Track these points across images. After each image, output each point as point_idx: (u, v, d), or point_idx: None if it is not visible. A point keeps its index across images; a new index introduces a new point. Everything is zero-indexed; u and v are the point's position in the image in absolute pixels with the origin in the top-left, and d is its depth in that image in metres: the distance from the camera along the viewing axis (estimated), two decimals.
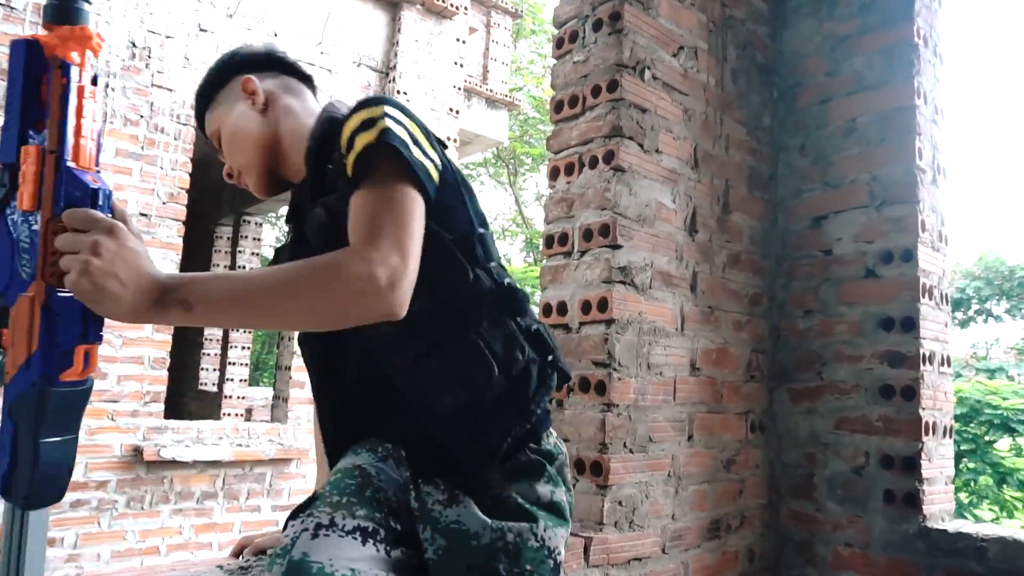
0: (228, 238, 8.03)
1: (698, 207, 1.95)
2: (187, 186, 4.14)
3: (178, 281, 0.76)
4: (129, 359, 3.86)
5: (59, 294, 0.71)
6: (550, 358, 0.99)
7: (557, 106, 1.90)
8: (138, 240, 0.74)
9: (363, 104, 0.92)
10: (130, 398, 3.84)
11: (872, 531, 1.89)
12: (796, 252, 2.17)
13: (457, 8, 5.34)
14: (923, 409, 1.86)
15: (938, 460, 1.91)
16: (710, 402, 1.94)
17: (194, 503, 4.02)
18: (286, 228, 1.17)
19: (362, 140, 0.86)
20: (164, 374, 4.01)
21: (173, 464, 3.89)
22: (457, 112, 5.48)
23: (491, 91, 6.88)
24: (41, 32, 0.73)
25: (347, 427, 1.01)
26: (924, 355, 1.88)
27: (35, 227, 0.70)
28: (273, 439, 4.25)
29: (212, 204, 8.12)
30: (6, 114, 0.69)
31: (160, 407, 3.98)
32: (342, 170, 0.90)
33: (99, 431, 3.73)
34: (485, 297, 0.94)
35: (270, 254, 15.44)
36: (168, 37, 4.13)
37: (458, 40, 5.51)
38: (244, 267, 7.76)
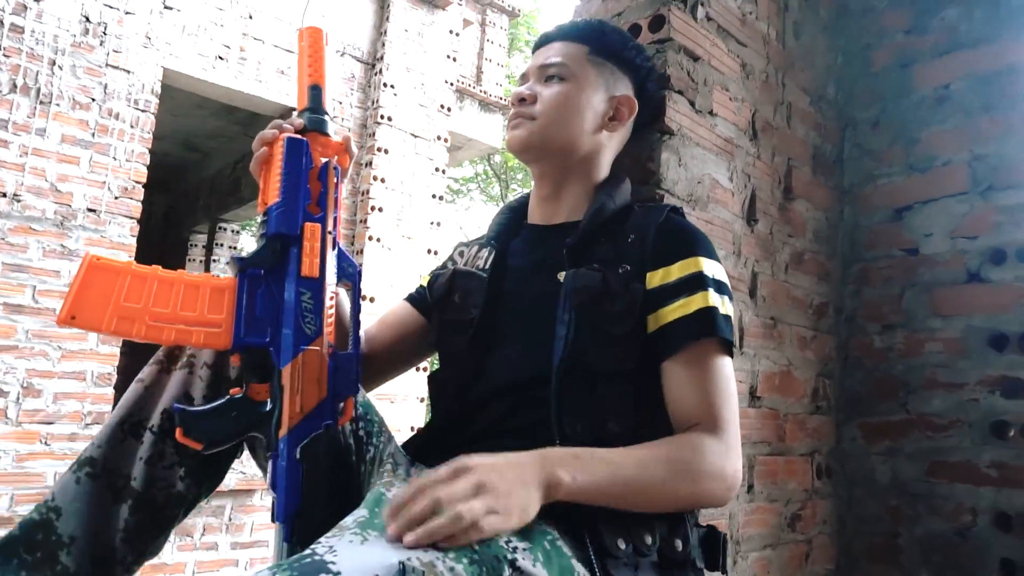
0: (203, 246, 7.55)
1: (758, 189, 1.52)
2: (144, 180, 3.68)
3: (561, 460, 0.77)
4: (69, 374, 3.37)
5: (339, 351, 0.83)
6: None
7: None
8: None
9: (691, 238, 0.93)
10: (68, 419, 3.34)
11: None
12: (870, 252, 1.74)
13: None
14: None
15: None
16: (773, 441, 1.50)
17: None
18: (479, 250, 1.11)
19: (698, 301, 0.88)
20: (110, 392, 3.52)
21: None
22: (448, 109, 5.06)
23: (485, 93, 6.47)
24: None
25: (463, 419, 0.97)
26: None
27: (318, 292, 0.82)
28: (234, 467, 3.75)
29: (187, 210, 7.66)
30: (285, 195, 0.82)
31: None
32: (630, 253, 0.93)
33: (29, 457, 3.23)
34: None
35: None
36: (128, 13, 3.69)
37: (451, 32, 5.11)
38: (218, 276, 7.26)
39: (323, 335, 0.81)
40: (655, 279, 0.90)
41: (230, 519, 3.76)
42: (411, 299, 1.13)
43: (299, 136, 0.85)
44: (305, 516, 0.76)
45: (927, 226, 1.65)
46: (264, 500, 3.92)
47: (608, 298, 0.89)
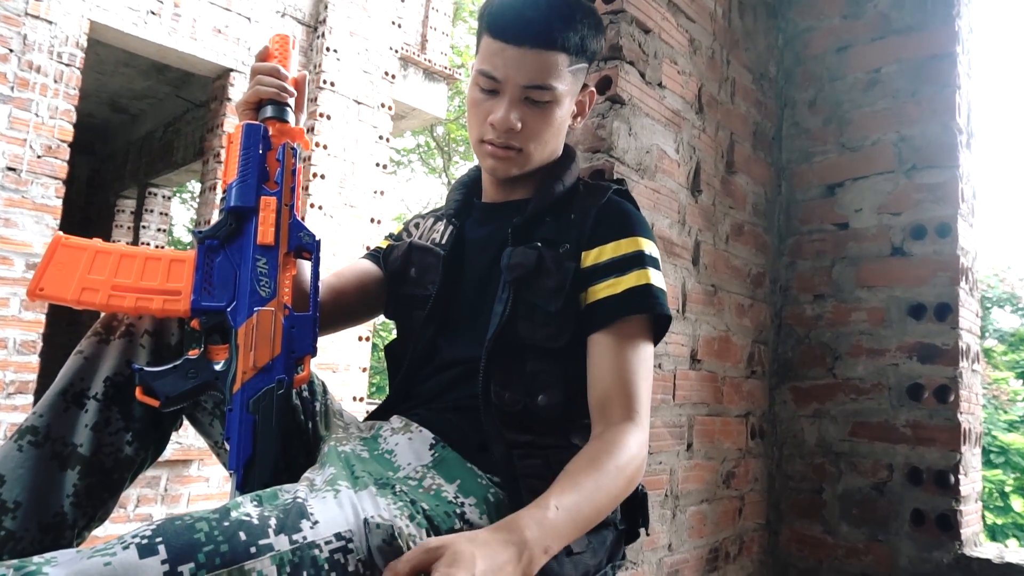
0: (131, 211, 7.22)
1: (702, 162, 1.58)
2: (70, 139, 3.49)
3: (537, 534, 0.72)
4: None
5: (294, 312, 0.87)
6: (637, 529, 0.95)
7: None
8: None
9: (629, 219, 0.94)
10: None
11: (897, 559, 1.58)
12: (804, 226, 1.83)
13: None
14: (960, 413, 1.55)
15: (972, 473, 1.61)
16: (711, 402, 1.58)
17: None
18: (435, 223, 1.10)
19: (634, 278, 0.90)
20: (35, 360, 3.37)
21: None
22: (393, 77, 4.97)
23: (429, 61, 6.37)
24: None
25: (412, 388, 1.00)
26: (962, 349, 1.58)
27: (273, 258, 0.86)
28: (172, 438, 3.66)
29: (113, 174, 7.30)
30: (243, 172, 0.88)
31: (28, 400, 3.34)
32: (570, 232, 0.94)
33: None
34: None
35: (180, 232, 14.32)
36: None
37: None
38: (148, 244, 6.98)
39: (277, 297, 0.85)
40: (589, 258, 0.92)
41: (165, 490, 3.68)
42: (371, 256, 1.14)
43: (256, 122, 0.91)
44: (257, 465, 0.79)
45: (857, 202, 1.75)
46: (201, 471, 3.84)
47: (542, 275, 0.91)
